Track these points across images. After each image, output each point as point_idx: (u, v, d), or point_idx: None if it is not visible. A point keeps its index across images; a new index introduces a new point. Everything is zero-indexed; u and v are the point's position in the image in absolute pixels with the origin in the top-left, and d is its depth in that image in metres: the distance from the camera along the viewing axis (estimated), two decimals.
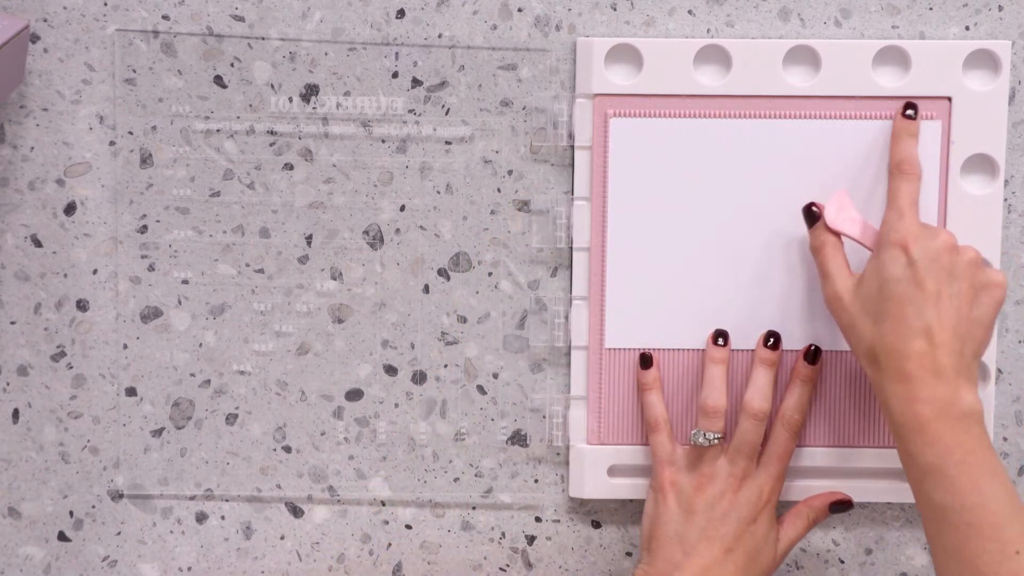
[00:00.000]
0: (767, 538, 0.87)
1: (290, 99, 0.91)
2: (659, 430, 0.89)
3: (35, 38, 0.91)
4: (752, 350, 0.91)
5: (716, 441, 0.87)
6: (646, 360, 0.90)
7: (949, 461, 0.78)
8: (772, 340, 0.89)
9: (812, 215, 0.86)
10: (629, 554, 0.94)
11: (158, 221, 0.92)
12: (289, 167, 0.92)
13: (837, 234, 0.86)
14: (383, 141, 0.91)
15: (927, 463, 0.78)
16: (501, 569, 0.94)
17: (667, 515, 0.87)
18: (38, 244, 0.92)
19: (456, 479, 0.94)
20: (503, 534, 0.94)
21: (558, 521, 0.94)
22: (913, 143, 0.87)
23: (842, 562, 0.94)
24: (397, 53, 0.91)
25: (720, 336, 0.89)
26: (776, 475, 0.88)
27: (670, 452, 0.89)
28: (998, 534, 0.76)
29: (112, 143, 0.92)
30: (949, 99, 0.90)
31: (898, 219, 0.82)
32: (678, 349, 0.91)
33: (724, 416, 0.87)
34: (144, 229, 0.92)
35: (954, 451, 0.78)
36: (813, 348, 0.89)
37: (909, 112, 0.87)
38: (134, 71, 0.91)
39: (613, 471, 0.92)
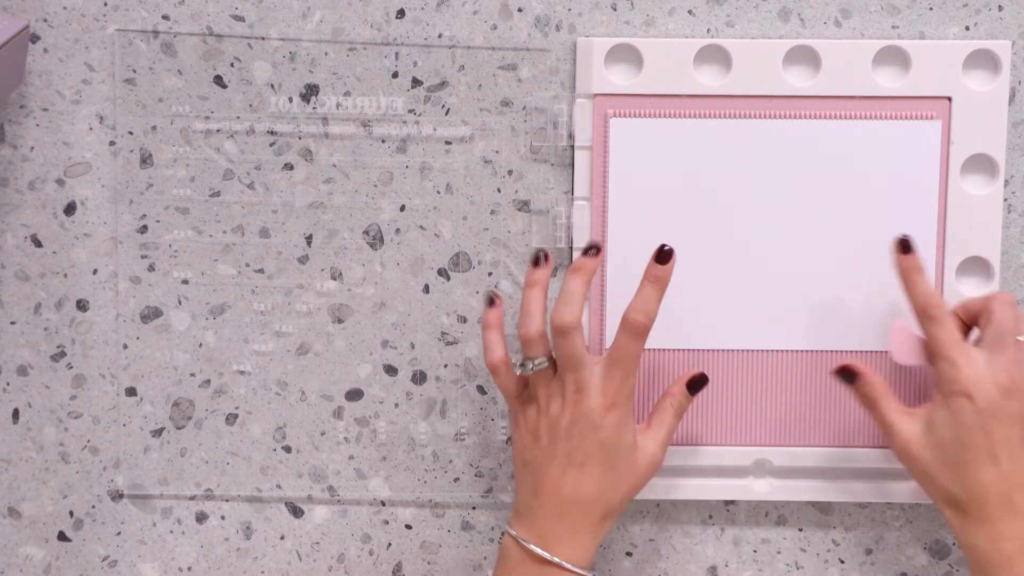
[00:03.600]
0: (620, 443, 0.84)
1: (290, 99, 0.91)
2: (499, 372, 0.86)
3: (35, 38, 0.91)
4: (752, 350, 0.91)
5: (542, 367, 0.85)
6: (491, 300, 0.87)
7: None
8: (593, 249, 0.85)
9: (850, 374, 0.86)
10: (629, 554, 0.94)
11: (158, 221, 0.92)
12: (289, 167, 0.92)
13: (883, 384, 0.85)
14: (383, 141, 0.91)
15: None
16: None
17: (519, 445, 0.86)
18: (38, 244, 0.92)
19: (456, 479, 0.94)
20: (503, 534, 0.94)
21: None
22: (924, 279, 0.84)
23: (842, 562, 0.94)
24: (397, 53, 0.91)
25: (540, 258, 0.86)
26: (619, 378, 0.83)
27: (515, 388, 0.87)
28: None
29: (112, 143, 0.92)
30: (949, 99, 0.90)
31: (952, 369, 0.82)
32: (678, 349, 0.91)
33: (542, 340, 0.85)
34: (144, 229, 0.92)
35: None
36: (666, 248, 0.84)
37: (903, 242, 0.84)
38: (134, 71, 0.91)
39: None
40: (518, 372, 0.85)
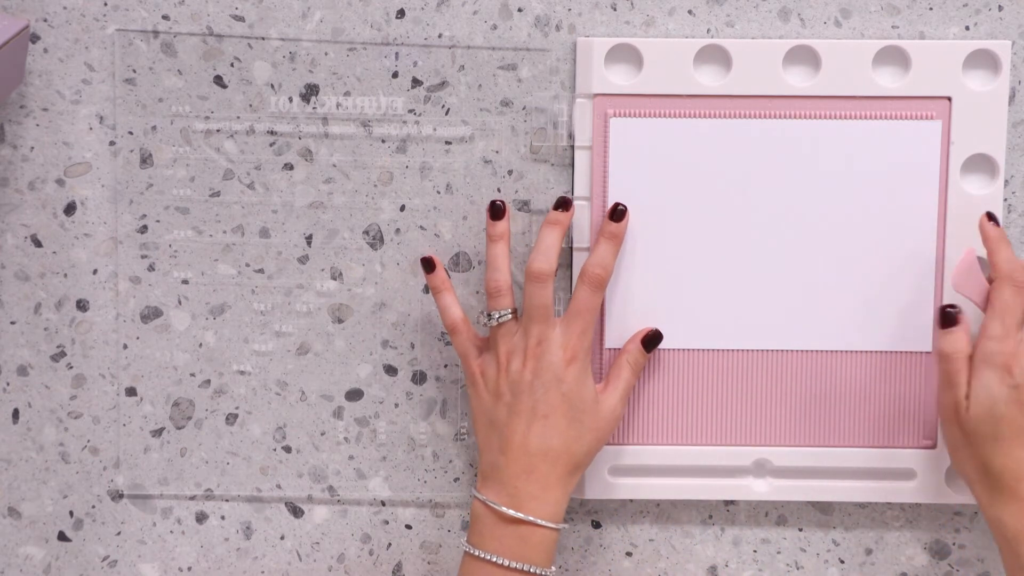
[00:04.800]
0: (582, 396, 0.85)
1: (290, 99, 0.91)
2: (459, 331, 0.88)
3: (35, 38, 0.91)
4: (752, 350, 0.91)
5: (507, 318, 0.86)
6: (428, 264, 0.89)
7: None
8: (564, 204, 0.87)
9: (949, 318, 0.84)
10: (629, 554, 0.94)
11: (158, 221, 0.92)
12: (289, 167, 0.92)
13: (970, 343, 0.84)
14: (383, 141, 0.91)
15: None
16: None
17: (479, 406, 0.87)
18: (38, 244, 0.92)
19: (456, 479, 0.94)
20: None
21: None
22: (1010, 248, 0.85)
23: (842, 562, 0.94)
24: (397, 53, 0.91)
25: (497, 211, 0.88)
26: (579, 332, 0.85)
27: (473, 348, 0.88)
28: None
29: (112, 143, 0.92)
30: (949, 99, 0.90)
31: (1004, 337, 0.82)
32: (678, 349, 0.91)
33: (509, 292, 0.86)
34: (144, 229, 0.92)
35: None
36: (620, 207, 0.87)
37: (990, 213, 0.86)
38: (134, 71, 0.91)
39: (613, 471, 0.92)
40: (484, 323, 0.87)
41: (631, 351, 0.89)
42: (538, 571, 0.83)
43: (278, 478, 0.94)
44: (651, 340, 0.89)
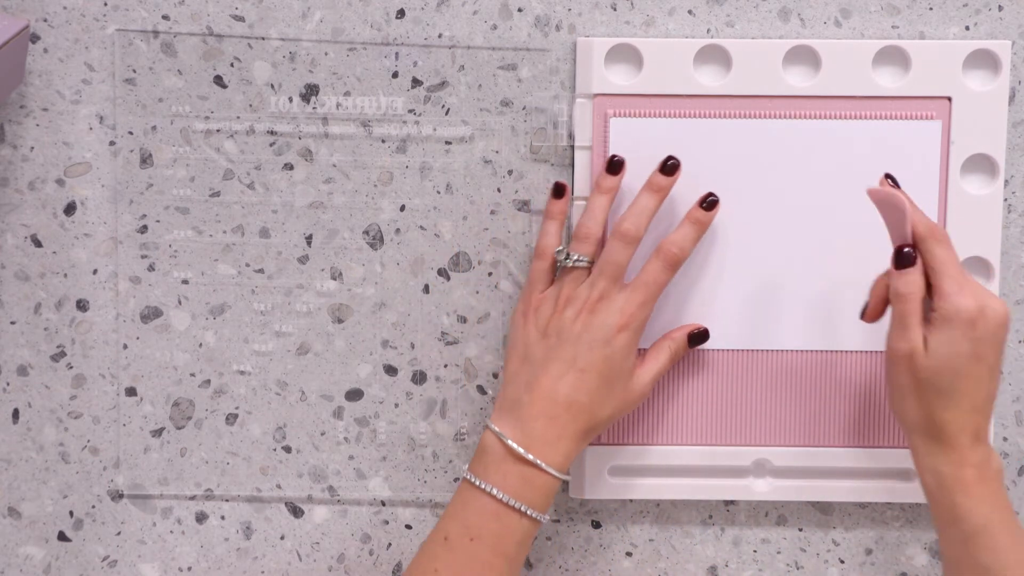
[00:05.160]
0: (623, 364, 0.85)
1: (290, 99, 0.91)
2: (545, 258, 0.88)
3: (35, 38, 0.91)
4: (752, 350, 0.91)
5: (582, 263, 0.86)
6: (559, 189, 0.89)
7: (994, 519, 0.80)
8: (669, 164, 0.87)
9: (906, 258, 0.82)
10: (629, 554, 0.94)
11: (158, 221, 0.92)
12: (289, 167, 0.92)
13: (928, 284, 0.82)
14: (383, 141, 0.91)
15: (975, 525, 0.80)
16: None
17: (522, 339, 0.87)
18: (38, 244, 0.92)
19: (456, 479, 0.94)
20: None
21: (558, 521, 0.94)
22: (921, 212, 0.83)
23: (842, 562, 0.94)
24: (397, 53, 0.91)
25: (615, 165, 0.88)
26: (639, 302, 0.85)
27: (544, 280, 0.88)
28: None
29: (112, 143, 0.92)
30: (949, 99, 0.90)
31: (959, 292, 0.80)
32: None
33: (596, 243, 0.87)
34: (144, 229, 0.92)
35: (996, 510, 0.80)
36: (713, 198, 0.88)
37: (891, 178, 0.85)
38: (134, 71, 0.91)
39: (613, 471, 0.92)
40: (561, 260, 0.86)
41: (676, 339, 0.89)
42: (534, 514, 0.83)
43: (278, 478, 0.94)
44: (697, 337, 0.90)
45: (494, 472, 0.83)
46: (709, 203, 0.88)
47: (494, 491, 0.82)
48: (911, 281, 0.81)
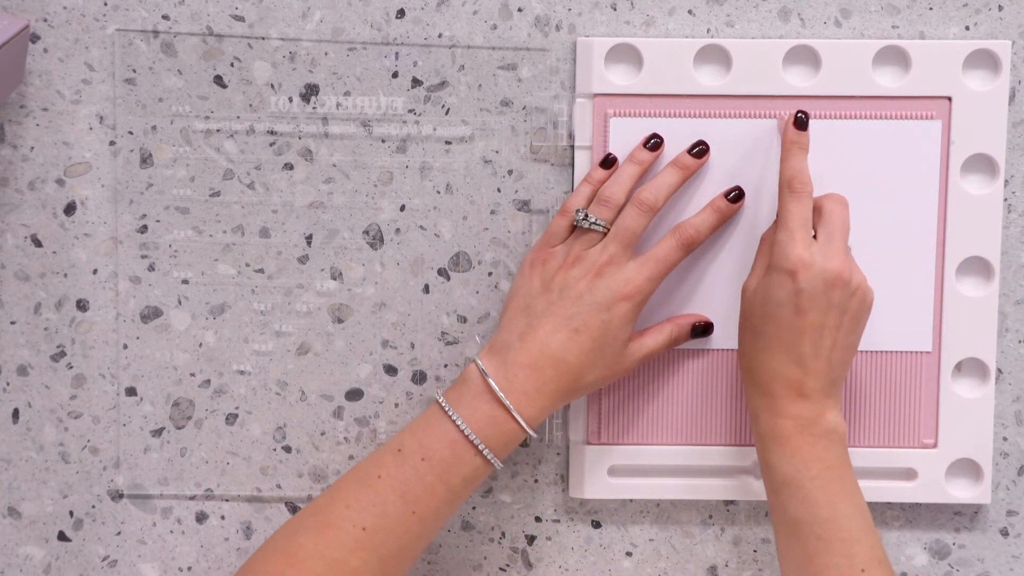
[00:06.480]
0: (618, 334, 0.85)
1: (290, 99, 0.91)
2: (566, 215, 0.88)
3: (35, 38, 0.91)
4: None
5: (598, 227, 0.86)
6: (609, 162, 0.89)
7: (806, 475, 0.81)
8: (698, 148, 0.88)
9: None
10: (629, 554, 0.94)
11: (158, 221, 0.92)
12: (289, 167, 0.92)
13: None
14: (383, 141, 0.91)
15: (785, 475, 0.81)
16: (501, 569, 0.94)
17: (525, 288, 0.87)
18: (38, 244, 0.92)
19: None
20: (503, 534, 0.94)
21: (558, 521, 0.94)
22: (804, 157, 0.86)
23: None
24: (397, 53, 0.91)
25: (652, 140, 0.88)
26: (647, 275, 0.85)
27: (559, 235, 0.88)
28: (847, 550, 0.80)
29: (112, 143, 0.92)
30: (949, 99, 0.90)
31: (789, 242, 0.82)
32: (678, 348, 0.91)
33: (616, 210, 0.87)
34: (144, 229, 0.92)
35: (812, 465, 0.81)
36: (736, 191, 0.89)
37: (800, 118, 0.86)
38: (134, 71, 0.91)
39: (613, 471, 0.92)
40: (578, 220, 0.86)
41: (679, 324, 0.89)
42: (490, 456, 0.83)
43: (278, 478, 0.94)
44: (701, 329, 0.90)
45: (466, 405, 0.84)
46: (734, 196, 0.88)
47: (459, 422, 0.83)
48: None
